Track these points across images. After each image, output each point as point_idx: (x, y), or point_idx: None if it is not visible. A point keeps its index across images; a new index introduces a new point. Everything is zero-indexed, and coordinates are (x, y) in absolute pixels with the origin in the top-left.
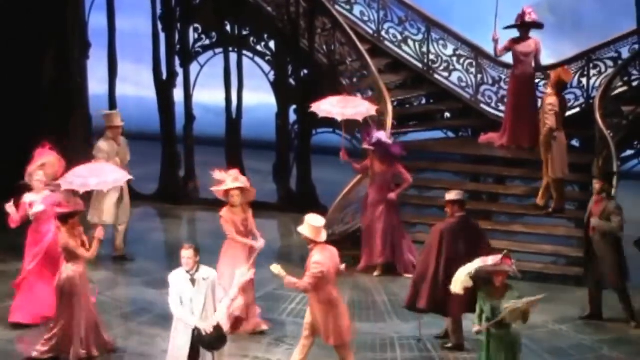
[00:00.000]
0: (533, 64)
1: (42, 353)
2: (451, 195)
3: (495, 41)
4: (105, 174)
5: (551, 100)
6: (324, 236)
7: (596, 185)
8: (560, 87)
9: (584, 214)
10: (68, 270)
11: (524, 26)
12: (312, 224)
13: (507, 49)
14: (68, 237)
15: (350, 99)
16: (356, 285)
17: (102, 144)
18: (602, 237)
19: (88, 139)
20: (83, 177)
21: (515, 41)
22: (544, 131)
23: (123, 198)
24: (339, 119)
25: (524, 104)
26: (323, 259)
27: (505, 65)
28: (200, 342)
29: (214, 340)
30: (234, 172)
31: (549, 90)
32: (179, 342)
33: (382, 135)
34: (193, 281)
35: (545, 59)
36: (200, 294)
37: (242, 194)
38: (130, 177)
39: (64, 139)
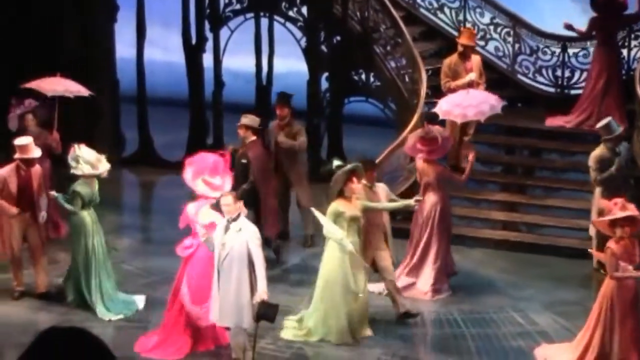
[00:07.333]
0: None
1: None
2: (246, 120)
3: None
4: (480, 103)
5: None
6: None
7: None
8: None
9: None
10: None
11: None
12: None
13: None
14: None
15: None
16: None
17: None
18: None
19: (115, 103)
20: (461, 106)
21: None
22: None
23: None
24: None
25: (614, 83)
26: None
27: (545, 35)
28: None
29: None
30: (621, 201)
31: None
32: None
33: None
34: (227, 228)
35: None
36: (229, 243)
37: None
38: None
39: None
